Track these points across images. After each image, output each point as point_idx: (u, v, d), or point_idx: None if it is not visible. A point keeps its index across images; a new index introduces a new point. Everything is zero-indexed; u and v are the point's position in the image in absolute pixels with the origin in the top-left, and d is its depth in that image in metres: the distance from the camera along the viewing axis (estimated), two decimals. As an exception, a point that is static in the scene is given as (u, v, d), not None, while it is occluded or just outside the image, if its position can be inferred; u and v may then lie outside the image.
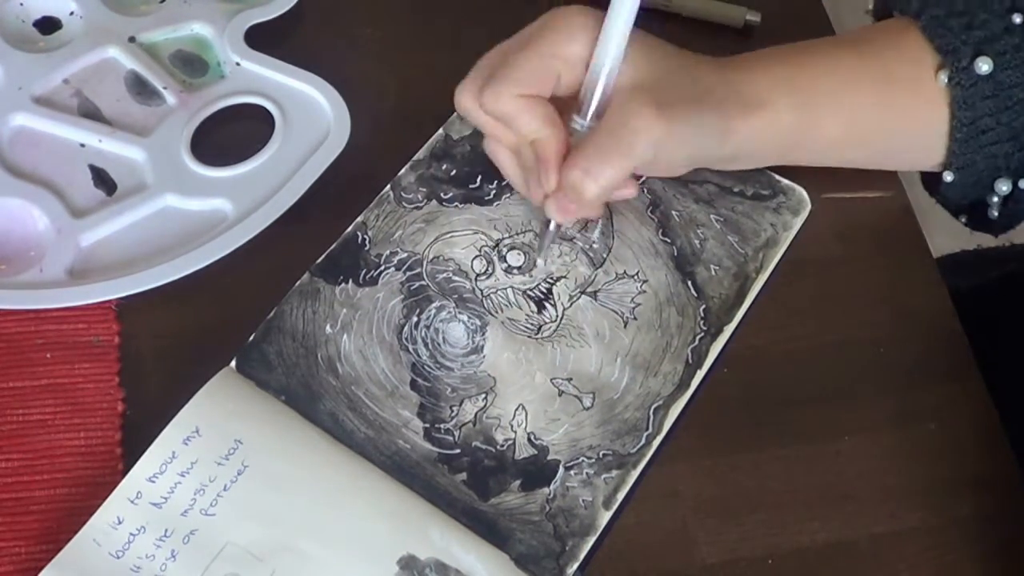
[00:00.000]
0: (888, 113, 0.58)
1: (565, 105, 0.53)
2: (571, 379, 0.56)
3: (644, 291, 0.59)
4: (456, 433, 0.55)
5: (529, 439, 0.55)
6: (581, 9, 0.52)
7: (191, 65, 0.64)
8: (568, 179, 0.51)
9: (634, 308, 0.58)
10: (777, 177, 0.62)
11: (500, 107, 0.52)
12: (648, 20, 0.53)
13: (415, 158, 0.61)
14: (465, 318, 0.57)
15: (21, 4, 0.64)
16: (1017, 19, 0.55)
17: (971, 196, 0.60)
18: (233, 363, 0.55)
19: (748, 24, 0.67)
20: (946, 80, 0.56)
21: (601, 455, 0.54)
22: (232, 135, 0.61)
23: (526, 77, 0.52)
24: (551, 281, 0.59)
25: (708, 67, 0.55)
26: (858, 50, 0.58)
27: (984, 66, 0.55)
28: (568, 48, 0.52)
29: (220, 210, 0.59)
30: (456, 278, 0.58)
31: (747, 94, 0.54)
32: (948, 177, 0.59)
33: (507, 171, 0.56)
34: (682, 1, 0.68)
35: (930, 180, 0.61)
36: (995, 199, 0.60)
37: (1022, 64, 0.55)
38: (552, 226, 0.57)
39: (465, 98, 0.53)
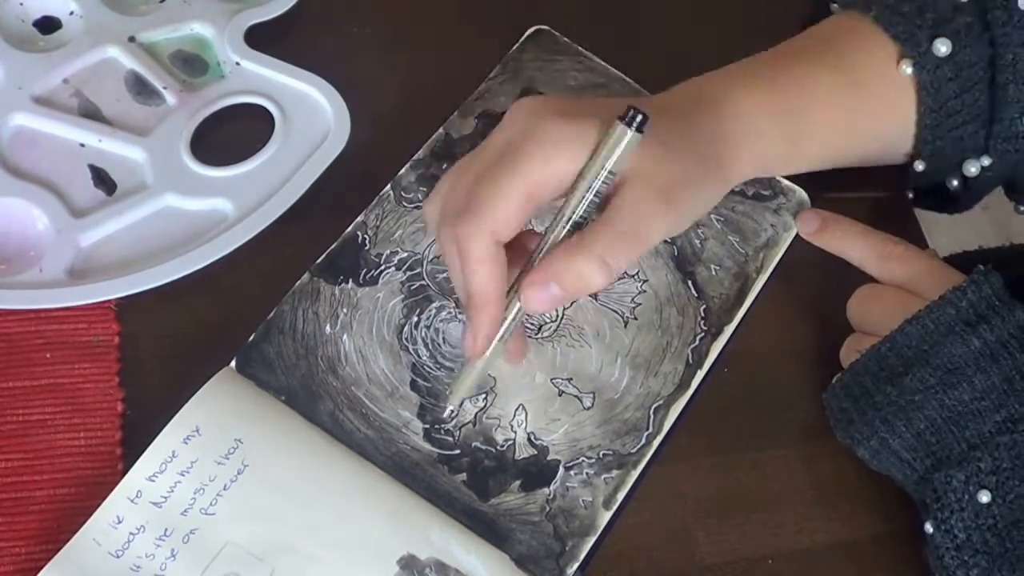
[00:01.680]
0: (862, 118, 0.58)
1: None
2: (571, 379, 0.56)
3: (644, 291, 0.59)
4: (456, 433, 0.55)
5: (529, 439, 0.55)
6: (553, 112, 0.49)
7: (191, 65, 0.64)
8: (580, 268, 0.47)
9: (634, 308, 0.58)
10: (778, 178, 0.62)
11: (475, 252, 0.48)
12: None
13: (415, 157, 0.61)
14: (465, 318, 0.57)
15: (21, 4, 0.64)
16: None
17: (938, 181, 0.61)
18: (233, 363, 0.55)
19: None
20: (910, 69, 0.56)
21: (601, 455, 0.54)
22: (232, 135, 0.61)
23: (508, 221, 0.48)
24: (551, 281, 0.59)
25: (697, 122, 0.53)
26: (829, 63, 0.57)
27: (943, 47, 0.55)
28: (550, 168, 0.48)
29: (220, 210, 0.59)
30: (456, 278, 0.58)
31: (736, 133, 0.54)
32: (919, 167, 0.59)
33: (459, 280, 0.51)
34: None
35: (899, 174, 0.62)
36: (954, 182, 0.60)
37: (976, 42, 0.56)
38: (481, 364, 0.51)
39: (433, 214, 0.51)
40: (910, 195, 0.63)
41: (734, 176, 0.54)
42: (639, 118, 0.47)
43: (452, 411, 0.53)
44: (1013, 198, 0.64)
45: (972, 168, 0.58)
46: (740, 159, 0.54)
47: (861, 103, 0.57)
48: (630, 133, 0.47)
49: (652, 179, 0.49)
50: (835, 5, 0.62)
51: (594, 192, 0.48)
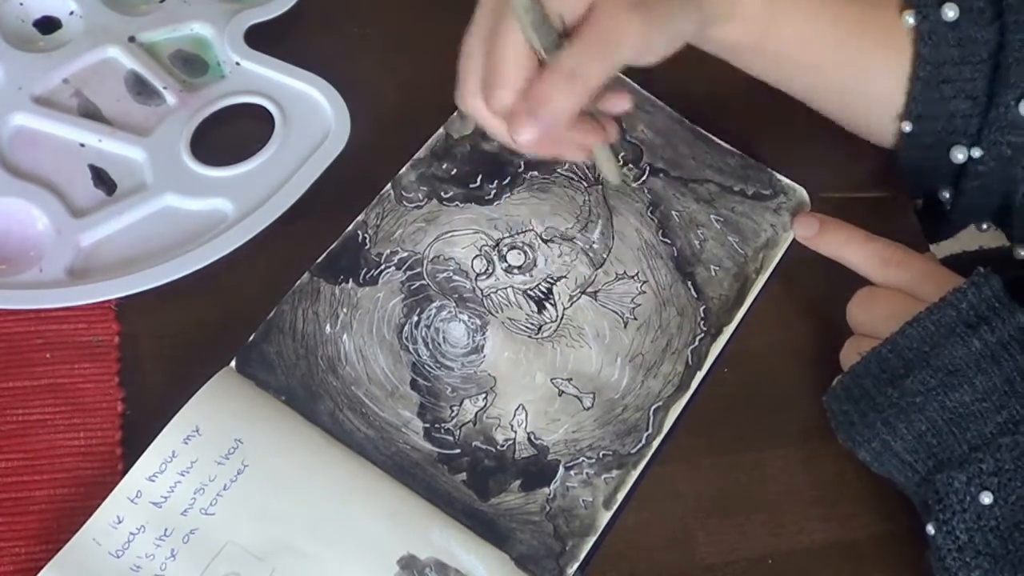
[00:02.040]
0: (850, 38, 0.58)
1: None
2: (571, 379, 0.56)
3: (644, 291, 0.59)
4: (456, 433, 0.55)
5: (529, 439, 0.55)
6: None
7: (191, 65, 0.64)
8: (553, 81, 0.48)
9: (634, 308, 0.58)
10: (778, 176, 0.62)
11: (510, 40, 0.49)
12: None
13: (416, 157, 0.61)
14: (465, 318, 0.57)
15: (21, 4, 0.64)
16: None
17: (928, 169, 0.61)
18: (233, 363, 0.54)
19: None
20: (911, 19, 0.57)
21: (601, 455, 0.54)
22: (232, 135, 0.61)
23: (518, 72, 0.49)
24: (551, 281, 0.59)
25: None
26: None
27: (950, 12, 0.56)
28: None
29: (220, 210, 0.59)
30: (456, 277, 0.58)
31: None
32: (907, 127, 0.59)
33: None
34: None
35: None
36: (946, 194, 0.60)
37: (988, 23, 0.56)
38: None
39: (469, 102, 0.52)
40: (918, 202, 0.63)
41: (707, 11, 0.54)
42: None
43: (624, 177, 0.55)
44: (1008, 232, 0.64)
45: (959, 155, 0.59)
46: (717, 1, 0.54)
47: (857, 23, 0.58)
48: None
49: None
50: None
51: None
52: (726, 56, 0.60)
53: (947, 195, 0.61)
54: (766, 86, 0.61)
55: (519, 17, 0.48)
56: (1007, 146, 0.58)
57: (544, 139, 0.49)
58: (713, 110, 0.64)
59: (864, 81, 0.60)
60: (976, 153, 0.58)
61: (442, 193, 0.60)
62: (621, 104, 0.53)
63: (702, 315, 0.59)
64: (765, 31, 0.57)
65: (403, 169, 0.61)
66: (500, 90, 0.49)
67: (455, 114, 0.63)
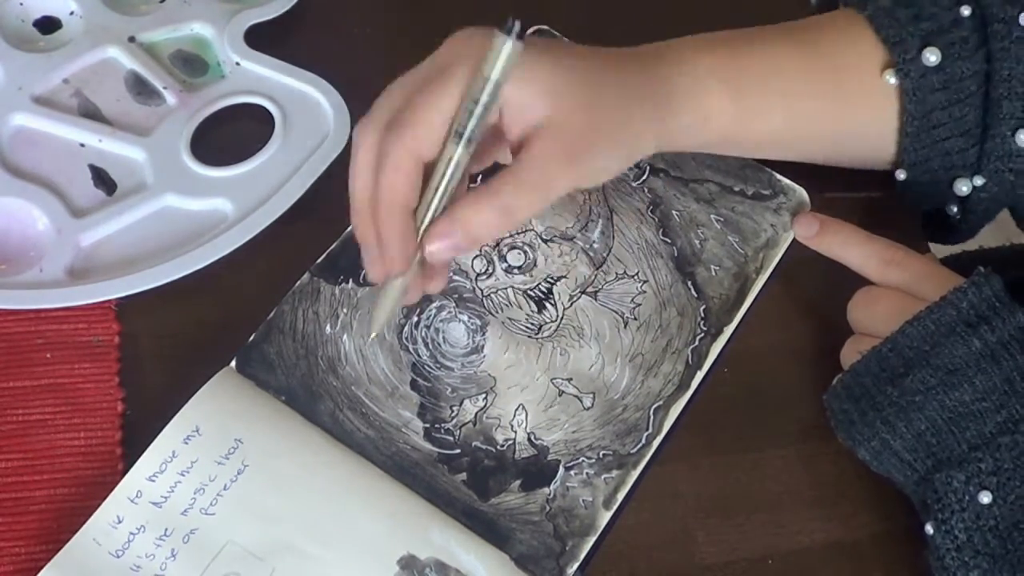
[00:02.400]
0: (834, 104, 0.57)
1: None
2: (571, 379, 0.56)
3: (644, 291, 0.59)
4: (456, 433, 0.55)
5: (529, 439, 0.55)
6: (486, 34, 0.48)
7: (191, 65, 0.64)
8: (484, 209, 0.48)
9: (634, 308, 0.58)
10: (778, 176, 0.62)
11: (396, 161, 0.48)
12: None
13: (415, 158, 0.61)
14: (465, 318, 0.57)
15: (21, 4, 0.64)
16: (965, 11, 0.55)
17: (931, 198, 0.60)
18: (233, 363, 0.55)
19: None
20: (892, 79, 0.56)
21: (601, 455, 0.54)
22: (232, 135, 0.61)
23: (434, 138, 0.48)
24: (551, 281, 0.59)
25: (636, 73, 0.53)
26: (798, 38, 0.57)
27: (932, 57, 0.55)
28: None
29: (220, 210, 0.59)
30: (456, 278, 0.58)
31: (679, 90, 0.53)
32: (901, 175, 0.59)
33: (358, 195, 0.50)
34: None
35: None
36: (953, 209, 0.60)
37: (971, 56, 0.55)
38: (399, 284, 0.50)
39: (366, 133, 0.49)
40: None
41: (667, 125, 0.53)
42: (517, 26, 0.46)
43: (374, 338, 0.54)
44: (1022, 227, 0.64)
45: (963, 187, 0.58)
46: (680, 110, 0.53)
47: (834, 88, 0.57)
48: (509, 42, 0.46)
49: (562, 133, 0.49)
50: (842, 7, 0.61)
51: (480, 104, 0.47)
52: (702, 150, 0.59)
53: (955, 210, 0.61)
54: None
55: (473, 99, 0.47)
56: (1009, 172, 0.57)
57: (447, 255, 0.49)
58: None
59: (852, 143, 0.59)
60: (979, 181, 0.58)
61: None
62: (437, 287, 0.53)
63: (702, 315, 0.59)
64: (739, 125, 0.56)
65: (403, 169, 0.61)
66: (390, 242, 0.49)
67: (455, 114, 0.62)
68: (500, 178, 0.48)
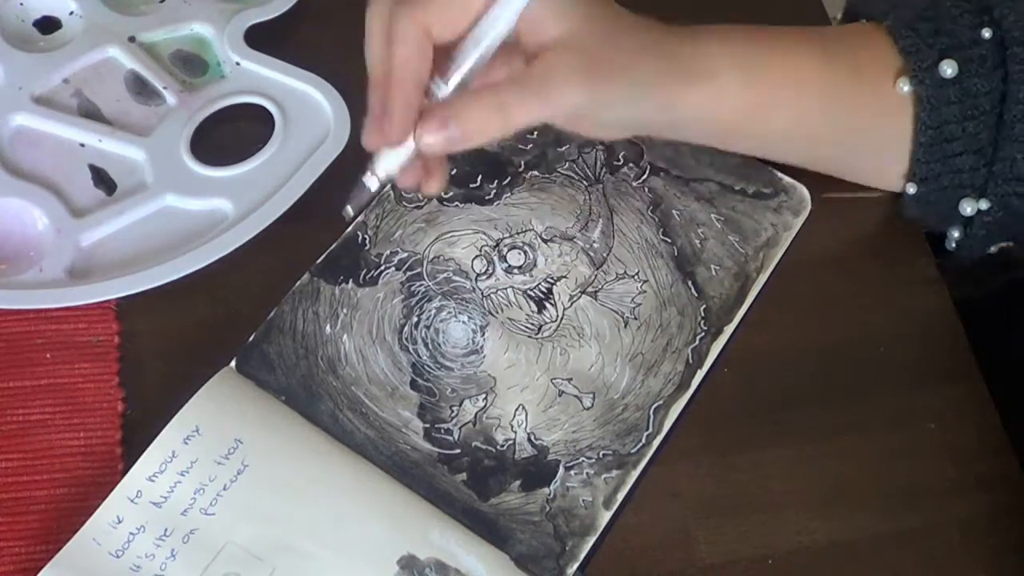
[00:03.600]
0: (847, 106, 0.57)
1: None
2: (571, 379, 0.56)
3: (644, 291, 0.59)
4: (456, 433, 0.55)
5: (529, 439, 0.55)
6: None
7: (191, 65, 0.64)
8: (479, 105, 0.47)
9: (634, 308, 0.58)
10: (779, 175, 0.62)
11: (405, 32, 0.47)
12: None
13: (415, 158, 0.61)
14: (465, 318, 0.57)
15: (21, 4, 0.64)
16: (986, 33, 0.55)
17: (935, 217, 0.60)
18: (233, 363, 0.55)
19: None
20: (906, 87, 0.55)
21: (601, 455, 0.54)
22: (232, 135, 0.61)
23: (450, 17, 0.48)
24: (551, 281, 0.59)
25: (657, 33, 0.53)
26: (816, 40, 0.57)
27: (948, 69, 0.55)
28: None
29: (220, 210, 0.59)
30: (456, 278, 0.58)
31: (694, 64, 0.53)
32: (911, 189, 0.58)
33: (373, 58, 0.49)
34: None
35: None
36: (955, 233, 0.59)
37: (988, 74, 0.55)
38: (379, 175, 0.50)
39: (378, 2, 0.49)
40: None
41: (678, 96, 0.52)
42: None
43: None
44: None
45: (968, 208, 0.57)
46: (694, 81, 0.53)
47: (848, 90, 0.56)
48: None
49: (577, 51, 0.48)
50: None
51: (497, 28, 0.47)
52: (710, 142, 0.58)
53: (956, 235, 0.60)
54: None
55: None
56: (1015, 197, 0.56)
57: (441, 147, 0.48)
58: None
59: (863, 150, 0.59)
60: (984, 205, 0.57)
61: (442, 193, 0.60)
62: (433, 187, 0.52)
63: (702, 314, 0.59)
64: (750, 113, 0.56)
65: (403, 169, 0.61)
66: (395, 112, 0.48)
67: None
68: (505, 80, 0.48)
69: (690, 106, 0.53)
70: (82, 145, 0.61)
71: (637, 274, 0.59)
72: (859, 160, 0.60)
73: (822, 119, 0.57)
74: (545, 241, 0.60)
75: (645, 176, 0.62)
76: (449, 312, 0.57)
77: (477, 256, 0.59)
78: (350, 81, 0.62)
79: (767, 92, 0.55)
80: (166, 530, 0.50)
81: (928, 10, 0.57)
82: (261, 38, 0.63)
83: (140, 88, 0.63)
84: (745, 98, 0.55)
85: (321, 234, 0.58)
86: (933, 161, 0.56)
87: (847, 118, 0.57)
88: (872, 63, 0.57)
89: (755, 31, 0.56)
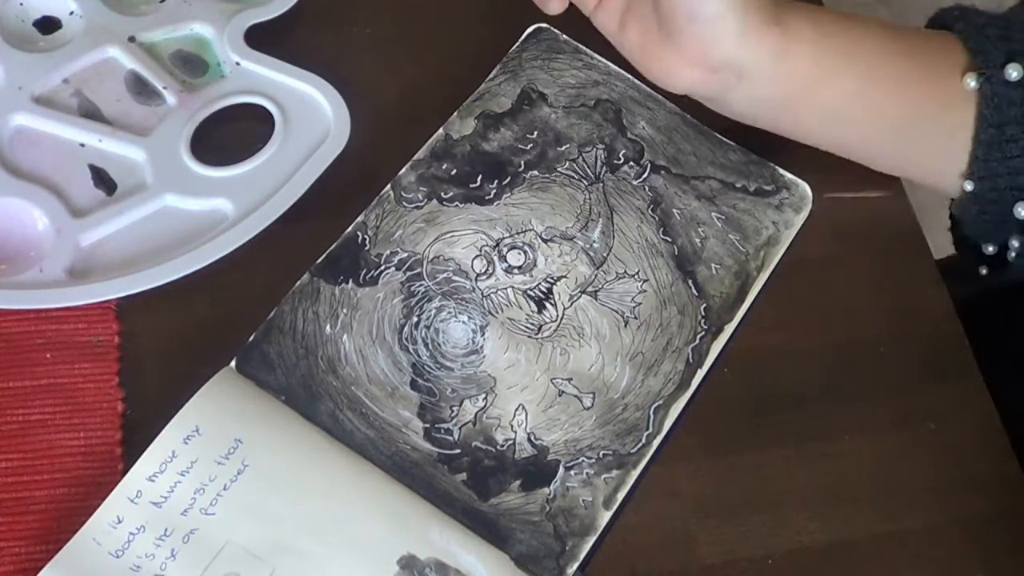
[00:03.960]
0: (910, 90, 0.57)
1: None
2: (571, 379, 0.56)
3: (644, 290, 0.59)
4: (456, 433, 0.55)
5: (529, 439, 0.55)
6: None
7: (191, 65, 0.64)
8: None
9: (635, 307, 0.58)
10: (781, 171, 0.62)
11: None
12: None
13: (415, 157, 0.61)
14: (465, 318, 0.57)
15: (21, 4, 0.64)
16: None
17: (990, 221, 0.59)
18: (233, 363, 0.55)
19: None
20: (972, 83, 0.56)
21: (601, 455, 0.54)
22: (232, 135, 0.61)
23: None
24: (551, 281, 0.59)
25: None
26: (892, 28, 0.58)
27: (1014, 72, 0.55)
28: None
29: (220, 210, 0.59)
30: (456, 278, 0.58)
31: (765, 14, 0.54)
32: (968, 186, 0.57)
33: None
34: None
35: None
36: (1015, 243, 0.59)
37: None
38: None
39: None
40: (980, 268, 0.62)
41: (752, 45, 0.54)
42: None
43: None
44: None
45: (1022, 210, 0.57)
46: (766, 29, 0.54)
47: (913, 75, 0.57)
48: None
49: None
50: None
51: None
52: (768, 114, 0.59)
53: (1016, 244, 0.59)
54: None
55: None
56: None
57: None
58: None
59: (921, 139, 0.59)
60: None
61: (442, 194, 0.60)
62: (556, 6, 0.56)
63: (703, 313, 0.59)
64: (813, 79, 0.56)
65: (403, 170, 0.61)
66: None
67: (455, 114, 0.62)
68: None
69: (756, 65, 0.55)
70: (82, 145, 0.61)
71: (637, 273, 0.59)
72: (916, 150, 0.60)
73: (883, 94, 0.57)
74: (545, 241, 0.60)
75: (646, 174, 0.62)
76: (449, 312, 0.57)
77: (477, 256, 0.59)
78: (350, 81, 0.62)
79: (832, 58, 0.56)
80: (166, 530, 0.50)
81: (998, 18, 0.58)
82: (261, 38, 0.63)
83: (140, 88, 0.63)
84: (811, 58, 0.56)
85: (321, 234, 0.58)
86: (992, 160, 0.56)
87: (911, 99, 0.58)
88: (941, 56, 0.57)
89: (821, 8, 0.58)
